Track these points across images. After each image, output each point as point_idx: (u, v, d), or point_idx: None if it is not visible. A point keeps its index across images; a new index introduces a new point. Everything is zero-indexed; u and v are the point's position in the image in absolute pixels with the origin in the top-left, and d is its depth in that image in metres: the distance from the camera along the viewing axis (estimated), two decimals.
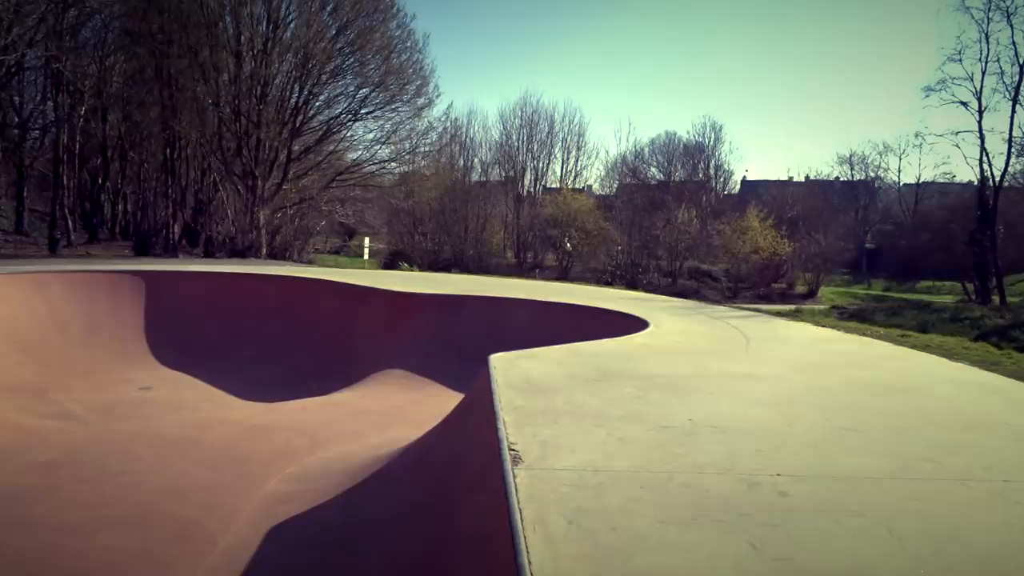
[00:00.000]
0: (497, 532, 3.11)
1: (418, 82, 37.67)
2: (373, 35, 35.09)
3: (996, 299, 26.61)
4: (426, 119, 39.86)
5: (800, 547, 2.88)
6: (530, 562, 2.63)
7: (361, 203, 43.37)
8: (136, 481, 6.82)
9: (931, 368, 7.92)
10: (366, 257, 35.70)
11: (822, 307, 25.45)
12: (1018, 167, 34.43)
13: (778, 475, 3.75)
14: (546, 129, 52.13)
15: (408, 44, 36.92)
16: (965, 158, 45.02)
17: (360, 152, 39.90)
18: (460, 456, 5.29)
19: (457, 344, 12.06)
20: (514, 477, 3.50)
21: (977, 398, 6.18)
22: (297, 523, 5.84)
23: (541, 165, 52.93)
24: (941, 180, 45.09)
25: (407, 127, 38.43)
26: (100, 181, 34.52)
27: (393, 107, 37.13)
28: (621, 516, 3.12)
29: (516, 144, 51.64)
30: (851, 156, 53.96)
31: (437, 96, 40.68)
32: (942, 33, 78.62)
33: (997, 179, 29.07)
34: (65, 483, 6.74)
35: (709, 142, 55.83)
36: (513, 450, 3.94)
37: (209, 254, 31.75)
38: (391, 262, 41.28)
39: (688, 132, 64.84)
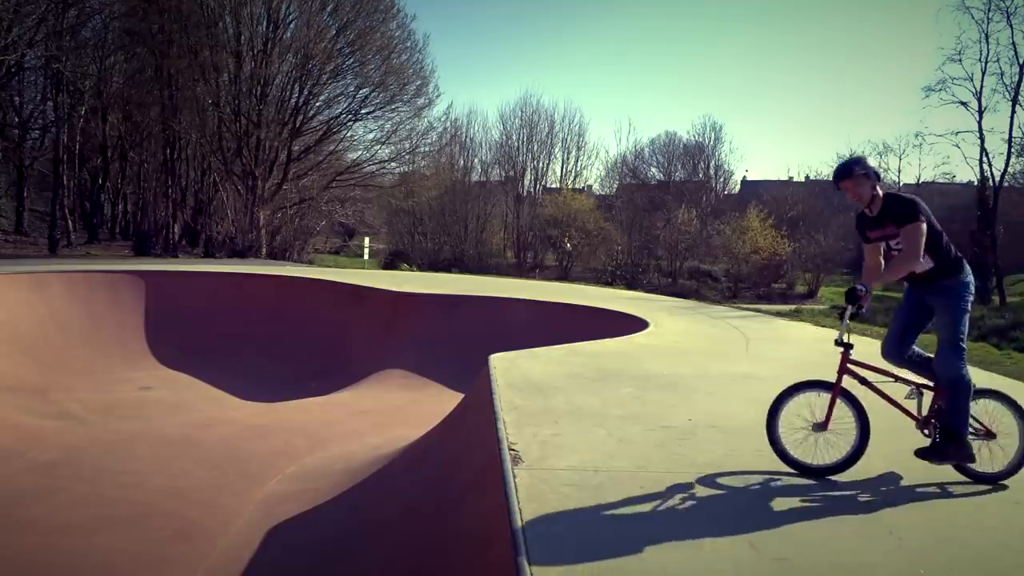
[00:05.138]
0: (497, 532, 3.11)
1: (418, 82, 37.72)
2: (373, 35, 35.08)
3: (996, 299, 26.60)
4: (426, 119, 39.92)
5: (800, 547, 2.88)
6: (530, 562, 2.63)
7: (361, 203, 43.33)
8: (136, 481, 6.82)
9: None
10: (366, 257, 35.66)
11: (822, 307, 25.47)
12: (1018, 167, 34.34)
13: (778, 475, 3.75)
14: (546, 129, 52.15)
15: (408, 44, 36.96)
16: (965, 158, 45.06)
17: (360, 152, 39.94)
18: (460, 456, 5.29)
19: (457, 344, 12.05)
20: (514, 477, 3.50)
21: None
22: (297, 523, 5.83)
23: (541, 165, 52.99)
24: (941, 180, 44.98)
25: (407, 127, 38.47)
26: (100, 181, 34.46)
27: (393, 107, 37.17)
28: (621, 516, 3.12)
29: (516, 144, 51.64)
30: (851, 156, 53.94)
31: (437, 96, 40.73)
32: (942, 33, 78.62)
33: (997, 179, 29.07)
34: (65, 483, 6.74)
35: (709, 142, 55.85)
36: (513, 450, 3.94)
37: (209, 254, 31.73)
38: (391, 262, 41.25)
39: (688, 132, 64.89)
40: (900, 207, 3.90)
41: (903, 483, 3.74)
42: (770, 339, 9.97)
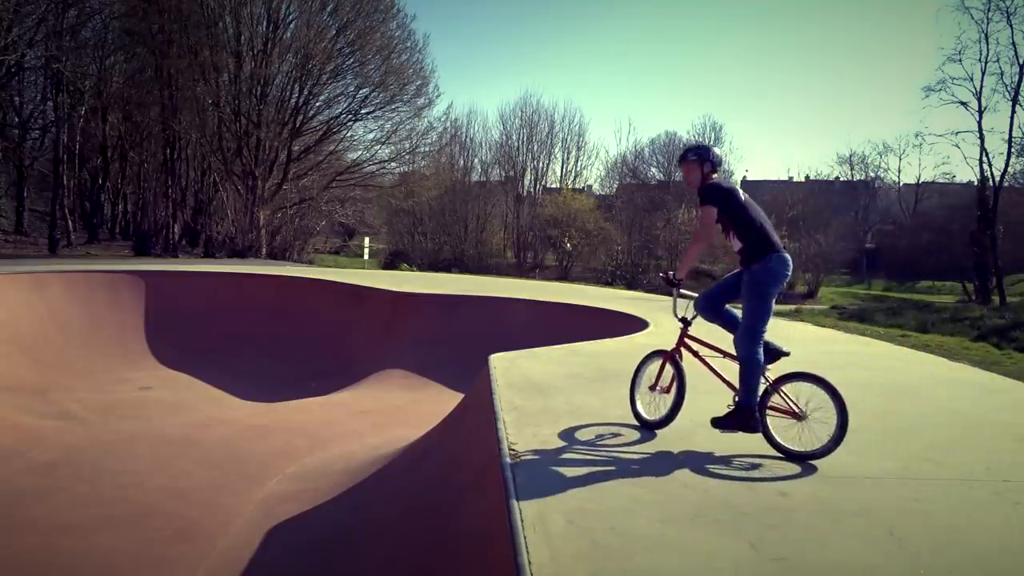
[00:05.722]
0: (497, 532, 3.11)
1: (418, 82, 37.74)
2: (373, 35, 35.09)
3: (996, 299, 26.58)
4: (426, 119, 39.95)
5: (800, 547, 2.88)
6: (530, 562, 2.62)
7: (361, 203, 43.35)
8: (136, 481, 6.82)
9: (931, 368, 7.92)
10: (366, 257, 35.68)
11: (822, 307, 25.43)
12: (1018, 167, 34.41)
13: (778, 475, 3.75)
14: (546, 129, 52.20)
15: (408, 44, 36.99)
16: (965, 158, 45.11)
17: (360, 152, 39.98)
18: (460, 456, 5.28)
19: (457, 344, 12.05)
20: (514, 477, 3.50)
21: (977, 398, 6.17)
22: (297, 523, 5.83)
23: (541, 165, 53.03)
24: (941, 180, 45.09)
25: (407, 127, 38.50)
26: (100, 181, 34.47)
27: (393, 107, 37.19)
28: (620, 516, 3.11)
29: (516, 144, 51.69)
30: (851, 156, 53.99)
31: (437, 96, 40.73)
32: (942, 33, 78.68)
33: (997, 179, 29.07)
34: (65, 483, 6.74)
35: (709, 142, 55.92)
36: (513, 450, 3.94)
37: (209, 254, 31.74)
38: (391, 262, 41.29)
39: (688, 132, 64.74)
40: (703, 193, 4.25)
41: (903, 484, 3.73)
42: (770, 339, 9.95)
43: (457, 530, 4.19)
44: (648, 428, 4.44)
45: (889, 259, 48.39)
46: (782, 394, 4.03)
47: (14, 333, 12.33)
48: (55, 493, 6.45)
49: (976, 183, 30.80)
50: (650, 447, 4.19)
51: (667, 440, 4.33)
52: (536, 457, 3.87)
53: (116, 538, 5.56)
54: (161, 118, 32.63)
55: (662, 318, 11.54)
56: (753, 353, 4.03)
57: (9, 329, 12.30)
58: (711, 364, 4.35)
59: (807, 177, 55.09)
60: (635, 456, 4.01)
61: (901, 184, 55.99)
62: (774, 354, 4.19)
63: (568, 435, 4.36)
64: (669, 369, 4.44)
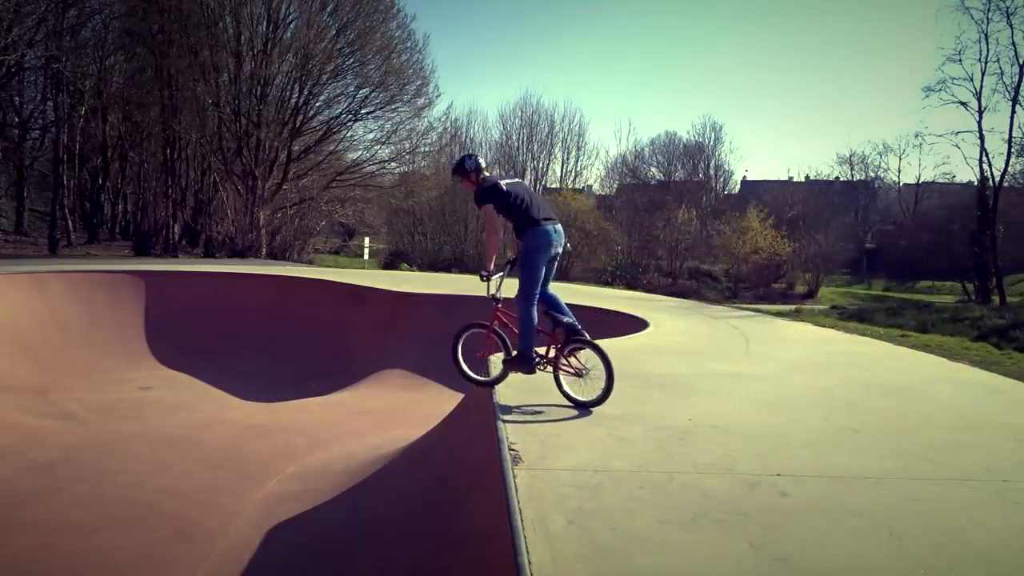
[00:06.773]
0: (497, 531, 3.11)
1: (418, 82, 37.64)
2: (373, 35, 35.03)
3: (996, 299, 26.55)
4: (426, 119, 39.80)
5: (800, 547, 2.88)
6: (530, 562, 2.62)
7: (361, 203, 43.26)
8: (136, 481, 6.82)
9: (931, 368, 7.92)
10: (366, 257, 35.67)
11: (822, 307, 25.42)
12: (1018, 167, 34.32)
13: (778, 475, 3.75)
14: (546, 129, 52.19)
15: (408, 44, 36.89)
16: (965, 158, 45.02)
17: (360, 152, 39.85)
18: (460, 456, 5.29)
19: None
20: (514, 477, 3.50)
21: (977, 398, 6.17)
22: (297, 523, 5.84)
23: (541, 165, 52.99)
24: (941, 180, 45.04)
25: (407, 127, 38.37)
26: (100, 181, 34.42)
27: (393, 107, 37.08)
28: (621, 516, 3.11)
29: (516, 144, 51.69)
30: (851, 156, 53.91)
31: (437, 96, 40.57)
32: (942, 33, 78.51)
33: (997, 179, 29.03)
34: (65, 483, 6.74)
35: (709, 142, 55.87)
36: (513, 450, 3.94)
37: (209, 254, 31.73)
38: (391, 262, 41.26)
39: (688, 132, 64.86)
40: (477, 196, 5.04)
41: (903, 484, 3.73)
42: (770, 339, 9.96)
43: (457, 530, 4.20)
44: (482, 386, 5.32)
45: (889, 259, 48.36)
46: (570, 356, 4.89)
47: (14, 333, 12.33)
48: (55, 493, 6.45)
49: (976, 183, 30.76)
50: (650, 447, 4.19)
51: (667, 440, 4.33)
52: (536, 457, 3.87)
53: (116, 538, 5.57)
54: (161, 118, 32.60)
55: (662, 318, 11.55)
56: (526, 312, 4.90)
57: (9, 329, 12.30)
58: (515, 329, 5.18)
59: (807, 177, 55.09)
60: (635, 456, 4.01)
61: (901, 184, 55.98)
62: (571, 329, 4.96)
63: (568, 435, 4.36)
64: (492, 338, 5.18)
